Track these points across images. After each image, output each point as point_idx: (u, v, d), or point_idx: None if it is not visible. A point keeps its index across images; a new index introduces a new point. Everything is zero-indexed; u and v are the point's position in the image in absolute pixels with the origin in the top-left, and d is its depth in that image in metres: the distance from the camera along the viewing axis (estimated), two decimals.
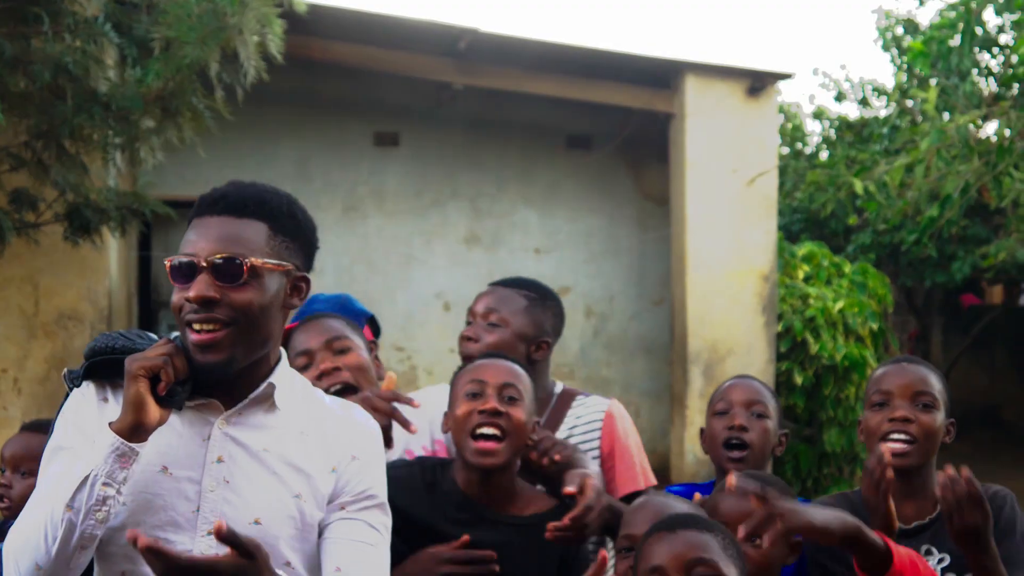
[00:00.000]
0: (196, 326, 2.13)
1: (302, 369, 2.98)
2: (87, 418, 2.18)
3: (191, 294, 2.11)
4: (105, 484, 2.02)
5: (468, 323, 3.36)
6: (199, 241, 2.16)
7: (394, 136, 10.47)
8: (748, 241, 9.55)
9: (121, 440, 2.04)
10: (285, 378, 2.30)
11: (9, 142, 5.80)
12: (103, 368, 2.22)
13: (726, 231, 9.51)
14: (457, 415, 2.81)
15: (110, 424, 2.07)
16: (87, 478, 2.02)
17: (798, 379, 9.30)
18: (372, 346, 3.29)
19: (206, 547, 2.12)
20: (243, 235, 2.17)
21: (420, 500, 2.77)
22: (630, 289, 11.11)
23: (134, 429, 2.05)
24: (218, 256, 2.13)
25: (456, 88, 9.32)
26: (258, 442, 2.22)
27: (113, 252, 7.58)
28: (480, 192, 10.74)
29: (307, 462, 2.24)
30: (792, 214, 14.41)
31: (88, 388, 2.23)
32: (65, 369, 2.29)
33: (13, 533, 2.09)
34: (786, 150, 15.54)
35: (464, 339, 3.30)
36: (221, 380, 2.20)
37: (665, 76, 9.58)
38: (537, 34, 9.39)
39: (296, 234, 2.26)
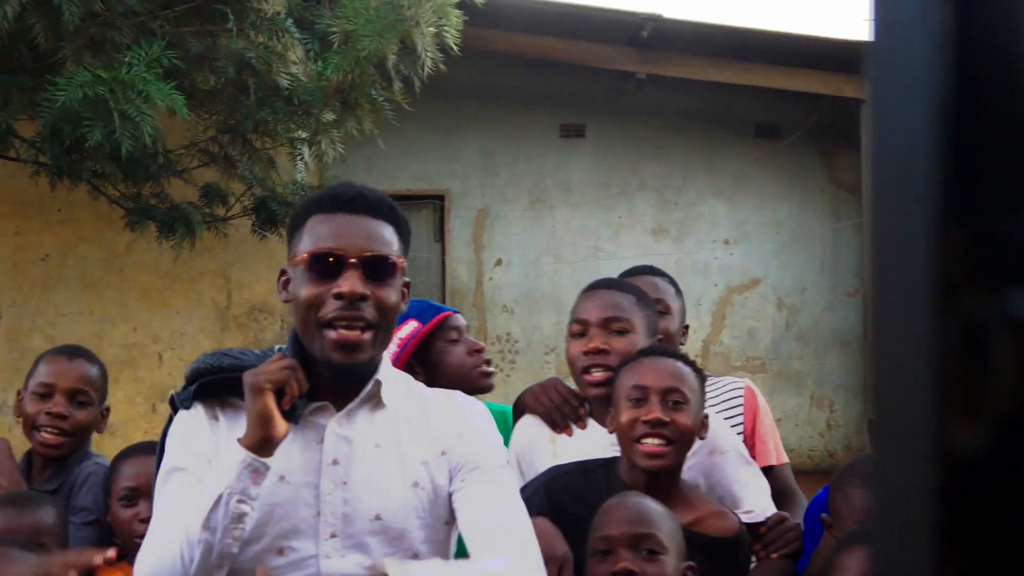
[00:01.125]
0: (343, 324, 2.11)
1: (575, 337, 2.91)
2: (199, 439, 2.18)
3: (344, 289, 2.10)
4: (240, 501, 2.03)
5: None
6: (342, 236, 2.15)
7: (579, 127, 10.43)
8: None
9: (252, 455, 2.04)
10: (389, 374, 2.29)
11: (198, 138, 5.96)
12: (211, 388, 2.22)
13: None
14: (621, 422, 2.67)
15: (239, 440, 2.07)
16: (221, 497, 2.02)
17: None
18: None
19: (331, 550, 2.13)
20: (385, 235, 2.20)
21: (582, 501, 2.65)
22: (823, 280, 10.81)
23: (263, 443, 2.06)
24: (368, 253, 2.13)
25: (640, 77, 9.22)
26: (369, 439, 2.20)
27: None
28: (667, 183, 10.61)
29: (418, 451, 2.21)
30: None
31: (197, 409, 2.22)
32: (171, 392, 2.28)
33: (144, 556, 2.09)
34: None
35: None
36: (335, 381, 2.19)
37: (854, 60, 9.27)
38: (721, 19, 9.22)
39: (407, 239, 2.28)
